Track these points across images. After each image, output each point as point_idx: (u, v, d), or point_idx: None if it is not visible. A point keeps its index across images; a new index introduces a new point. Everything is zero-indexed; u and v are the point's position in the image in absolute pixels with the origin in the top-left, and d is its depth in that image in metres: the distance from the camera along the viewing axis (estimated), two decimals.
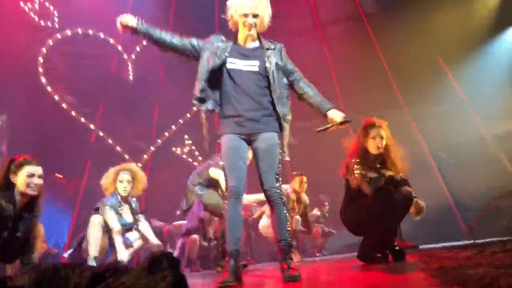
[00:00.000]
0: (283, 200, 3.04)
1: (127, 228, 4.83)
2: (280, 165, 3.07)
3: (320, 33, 11.41)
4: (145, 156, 9.84)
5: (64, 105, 9.70)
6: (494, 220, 6.62)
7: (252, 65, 3.09)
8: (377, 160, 4.04)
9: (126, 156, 9.38)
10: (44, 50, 9.91)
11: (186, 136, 10.49)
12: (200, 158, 10.08)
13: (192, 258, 6.21)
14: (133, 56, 10.88)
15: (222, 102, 3.14)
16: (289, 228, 3.05)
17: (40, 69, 9.71)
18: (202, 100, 3.09)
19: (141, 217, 5.01)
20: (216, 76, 3.12)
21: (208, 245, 6.49)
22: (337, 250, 8.02)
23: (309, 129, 9.98)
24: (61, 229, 8.35)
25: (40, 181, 3.49)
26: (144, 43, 10.61)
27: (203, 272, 6.04)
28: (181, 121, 10.36)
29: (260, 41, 3.22)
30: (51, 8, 10.39)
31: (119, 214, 4.76)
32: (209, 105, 3.11)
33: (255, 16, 3.09)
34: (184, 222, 6.30)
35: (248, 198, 5.69)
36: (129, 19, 3.10)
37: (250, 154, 3.30)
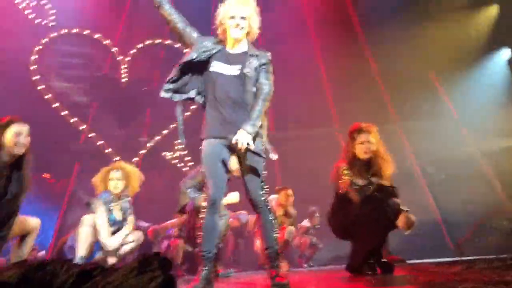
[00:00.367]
0: (268, 207, 3.00)
1: (115, 226, 4.77)
2: (265, 172, 3.03)
3: (313, 42, 11.45)
4: (135, 158, 9.77)
5: (56, 104, 9.65)
6: (482, 238, 6.64)
7: (234, 69, 3.08)
8: (365, 166, 4.00)
9: (117, 158, 9.31)
10: (38, 48, 9.88)
11: (176, 141, 10.43)
12: (191, 163, 10.02)
13: (177, 262, 6.13)
14: (127, 59, 10.86)
15: (204, 102, 3.14)
16: (276, 235, 3.01)
17: (33, 67, 9.67)
18: (174, 91, 3.10)
19: (129, 219, 4.96)
20: (199, 72, 3.14)
21: (193, 250, 6.41)
22: (324, 262, 7.98)
23: (299, 139, 10.02)
24: (46, 230, 8.24)
25: (27, 139, 3.49)
26: (140, 45, 10.64)
27: (187, 278, 5.96)
28: (172, 126, 10.31)
29: (248, 47, 3.21)
30: (48, 6, 10.38)
31: (110, 211, 4.73)
32: (191, 94, 3.14)
33: (242, 18, 3.10)
34: (170, 221, 6.27)
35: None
36: None
37: (234, 165, 3.23)
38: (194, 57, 3.07)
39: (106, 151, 9.73)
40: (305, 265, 7.58)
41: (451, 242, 8.04)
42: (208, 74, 3.10)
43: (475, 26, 10.66)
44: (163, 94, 3.09)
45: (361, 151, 3.97)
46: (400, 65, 9.85)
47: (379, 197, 3.80)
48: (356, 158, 3.99)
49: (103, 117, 10.30)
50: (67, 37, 10.43)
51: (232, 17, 3.09)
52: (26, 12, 10.08)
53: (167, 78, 3.10)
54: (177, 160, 10.15)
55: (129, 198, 5.00)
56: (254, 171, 2.98)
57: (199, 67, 3.12)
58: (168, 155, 10.35)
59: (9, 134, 3.41)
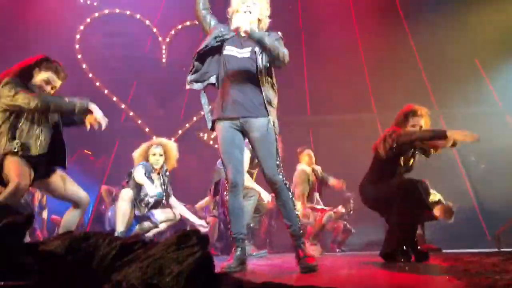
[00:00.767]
0: (287, 186, 3.01)
1: (156, 199, 4.87)
2: (279, 154, 3.05)
3: (355, 26, 11.23)
4: (172, 139, 9.93)
5: (97, 83, 9.89)
6: None
7: (245, 52, 3.16)
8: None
9: (154, 138, 9.49)
10: (81, 27, 10.11)
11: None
12: None
13: (211, 241, 6.25)
14: (167, 39, 10.99)
15: (218, 84, 3.22)
16: (297, 212, 3.05)
17: (77, 46, 9.92)
18: (196, 81, 3.20)
19: (171, 193, 5.07)
20: (215, 57, 3.23)
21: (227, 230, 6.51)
22: (357, 248, 7.96)
23: (336, 124, 9.91)
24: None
25: (50, 91, 3.57)
26: (179, 26, 10.73)
27: (220, 257, 6.06)
28: (210, 106, 10.38)
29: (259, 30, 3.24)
30: None
31: (151, 179, 4.80)
32: (212, 80, 3.23)
33: (253, 3, 3.20)
34: (204, 200, 6.57)
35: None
36: None
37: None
38: (204, 46, 3.17)
39: (146, 129, 9.93)
40: (338, 250, 7.58)
41: (488, 232, 7.87)
42: (222, 58, 3.19)
43: None
44: (187, 86, 3.22)
45: None
46: (444, 52, 9.57)
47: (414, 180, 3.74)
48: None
49: (143, 97, 10.49)
50: (110, 16, 10.62)
51: (243, 2, 3.18)
52: None
53: (189, 70, 3.20)
54: (212, 141, 10.26)
55: (168, 173, 5.10)
56: (268, 150, 3.01)
57: (214, 53, 3.22)
58: (205, 136, 10.47)
59: (43, 76, 3.54)
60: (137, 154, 5.07)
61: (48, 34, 8.92)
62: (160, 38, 10.97)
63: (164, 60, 10.89)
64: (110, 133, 9.49)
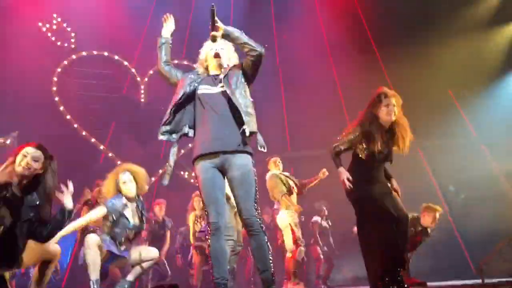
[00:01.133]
0: (263, 229, 2.95)
1: (135, 231, 4.62)
2: (257, 195, 3.00)
3: (329, 58, 11.46)
4: (152, 178, 9.81)
5: (75, 125, 9.80)
6: (504, 259, 6.45)
7: (218, 88, 3.17)
8: (386, 131, 3.98)
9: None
10: (58, 69, 10.09)
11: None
12: None
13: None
14: (145, 79, 11.03)
15: (194, 128, 3.20)
16: (271, 258, 2.95)
17: (54, 88, 9.86)
18: (170, 132, 3.18)
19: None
20: (189, 106, 3.23)
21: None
22: (343, 283, 7.86)
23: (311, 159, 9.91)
24: (67, 248, 8.27)
25: (32, 163, 3.27)
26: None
27: None
28: (190, 145, 10.36)
29: (228, 68, 3.32)
30: (68, 29, 10.63)
31: (125, 218, 4.52)
32: (185, 129, 3.20)
33: (221, 48, 3.32)
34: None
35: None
36: (171, 27, 3.57)
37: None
38: (180, 95, 3.18)
39: None
40: (323, 286, 7.46)
41: (472, 263, 7.84)
42: (197, 99, 3.19)
43: (494, 44, 10.56)
44: (160, 137, 3.18)
45: (385, 113, 3.95)
46: (418, 84, 9.78)
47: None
48: (378, 121, 3.97)
49: (122, 137, 10.40)
50: (87, 58, 10.63)
51: (211, 49, 3.32)
52: (48, 34, 10.31)
53: (162, 121, 3.18)
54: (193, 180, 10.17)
55: (141, 198, 4.81)
56: (247, 191, 2.96)
57: (188, 101, 3.22)
58: (185, 174, 10.40)
59: (19, 156, 3.28)
60: (106, 189, 4.70)
61: (23, 76, 8.85)
62: (138, 78, 11.00)
63: (142, 100, 10.90)
64: (89, 175, 9.39)
